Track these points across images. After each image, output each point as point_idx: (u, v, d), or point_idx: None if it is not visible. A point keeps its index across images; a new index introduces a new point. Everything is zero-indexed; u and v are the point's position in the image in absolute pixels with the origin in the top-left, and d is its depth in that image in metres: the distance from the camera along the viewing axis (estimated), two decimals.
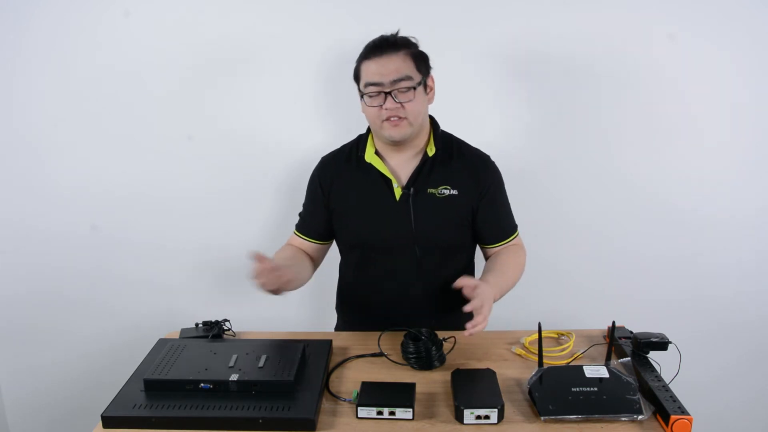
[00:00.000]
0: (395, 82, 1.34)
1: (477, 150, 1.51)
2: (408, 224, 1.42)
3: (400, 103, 1.35)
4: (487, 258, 1.53)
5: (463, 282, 1.25)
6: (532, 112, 1.78)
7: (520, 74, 1.74)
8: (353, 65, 1.41)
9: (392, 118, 1.36)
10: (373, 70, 1.35)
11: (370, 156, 1.45)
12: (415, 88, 1.36)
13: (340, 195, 1.49)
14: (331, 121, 1.78)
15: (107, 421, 1.07)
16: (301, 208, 1.56)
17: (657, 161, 1.80)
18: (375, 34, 1.39)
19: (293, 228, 1.56)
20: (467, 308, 1.19)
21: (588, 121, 1.78)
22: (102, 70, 1.75)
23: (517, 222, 1.53)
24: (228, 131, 1.80)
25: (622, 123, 1.77)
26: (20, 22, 1.70)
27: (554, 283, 1.89)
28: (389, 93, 1.34)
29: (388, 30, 1.40)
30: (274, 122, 1.80)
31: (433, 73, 1.42)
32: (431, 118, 1.48)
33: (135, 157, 1.82)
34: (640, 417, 1.06)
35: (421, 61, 1.39)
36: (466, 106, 1.69)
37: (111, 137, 1.80)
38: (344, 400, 1.15)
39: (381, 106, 1.36)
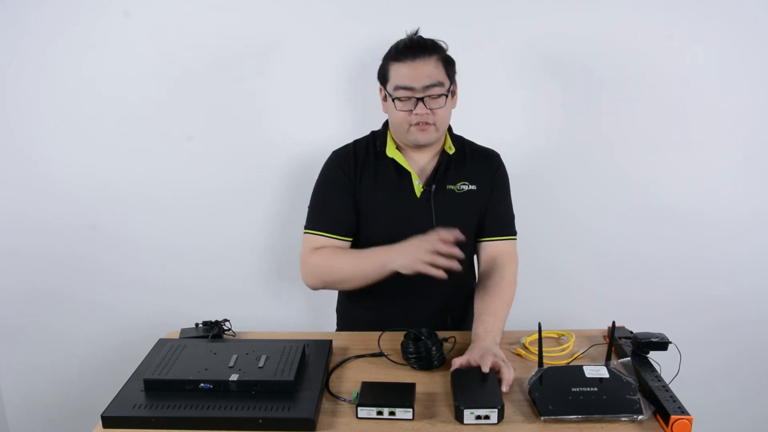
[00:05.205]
0: (427, 87, 1.33)
1: (486, 147, 1.52)
2: (429, 221, 1.41)
3: (431, 109, 1.33)
4: (479, 261, 1.49)
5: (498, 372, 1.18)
6: (531, 113, 1.78)
7: (519, 75, 1.74)
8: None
9: (420, 124, 1.35)
10: (405, 73, 1.33)
11: (391, 151, 1.43)
12: (446, 96, 1.35)
13: (364, 188, 1.44)
14: (332, 120, 1.78)
15: (107, 421, 1.07)
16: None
17: (657, 161, 1.80)
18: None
19: (302, 233, 1.45)
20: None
21: (588, 121, 1.78)
22: (102, 71, 1.74)
23: (517, 222, 1.52)
24: (228, 131, 1.80)
25: (622, 123, 1.77)
26: (19, 22, 1.70)
27: (554, 283, 1.90)
28: (421, 99, 1.33)
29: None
30: (274, 122, 1.79)
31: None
32: None
33: (135, 157, 1.81)
34: (640, 417, 1.06)
35: (451, 67, 1.39)
36: (465, 107, 1.69)
37: (111, 137, 1.80)
38: (344, 400, 1.15)
39: (411, 111, 1.34)
